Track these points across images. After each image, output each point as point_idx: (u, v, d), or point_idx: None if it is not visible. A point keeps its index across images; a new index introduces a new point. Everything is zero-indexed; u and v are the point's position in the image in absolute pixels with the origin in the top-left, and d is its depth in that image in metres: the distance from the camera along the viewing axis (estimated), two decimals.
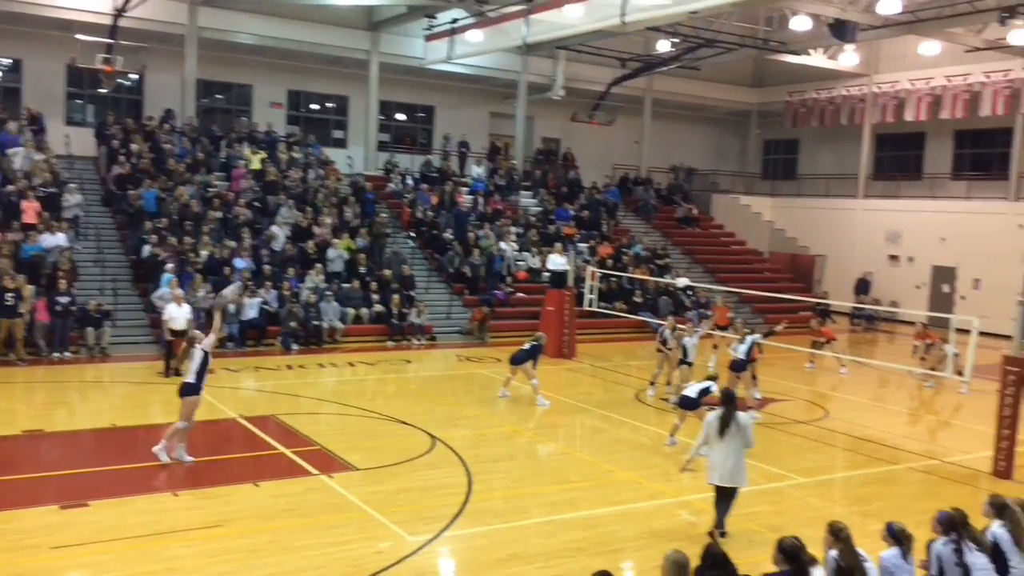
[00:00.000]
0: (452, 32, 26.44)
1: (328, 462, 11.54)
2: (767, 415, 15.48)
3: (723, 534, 8.96)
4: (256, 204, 23.56)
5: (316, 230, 23.20)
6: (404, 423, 13.74)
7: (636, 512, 10.15)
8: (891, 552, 6.71)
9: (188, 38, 25.59)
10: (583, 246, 27.10)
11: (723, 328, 19.62)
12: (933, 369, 17.96)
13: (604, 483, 11.14)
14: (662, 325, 17.62)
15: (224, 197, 23.33)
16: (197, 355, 11.03)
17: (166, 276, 18.71)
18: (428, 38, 27.82)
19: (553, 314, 20.85)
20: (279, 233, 22.53)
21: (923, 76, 30.07)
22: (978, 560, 6.75)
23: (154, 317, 18.74)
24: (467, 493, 10.52)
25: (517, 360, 15.68)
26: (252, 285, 20.21)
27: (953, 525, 6.91)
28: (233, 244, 21.48)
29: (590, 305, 21.33)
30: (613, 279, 25.28)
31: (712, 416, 9.21)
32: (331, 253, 22.56)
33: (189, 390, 10.96)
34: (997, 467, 12.19)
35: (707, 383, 12.84)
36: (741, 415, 9.10)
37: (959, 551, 6.69)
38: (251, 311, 19.81)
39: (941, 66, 29.23)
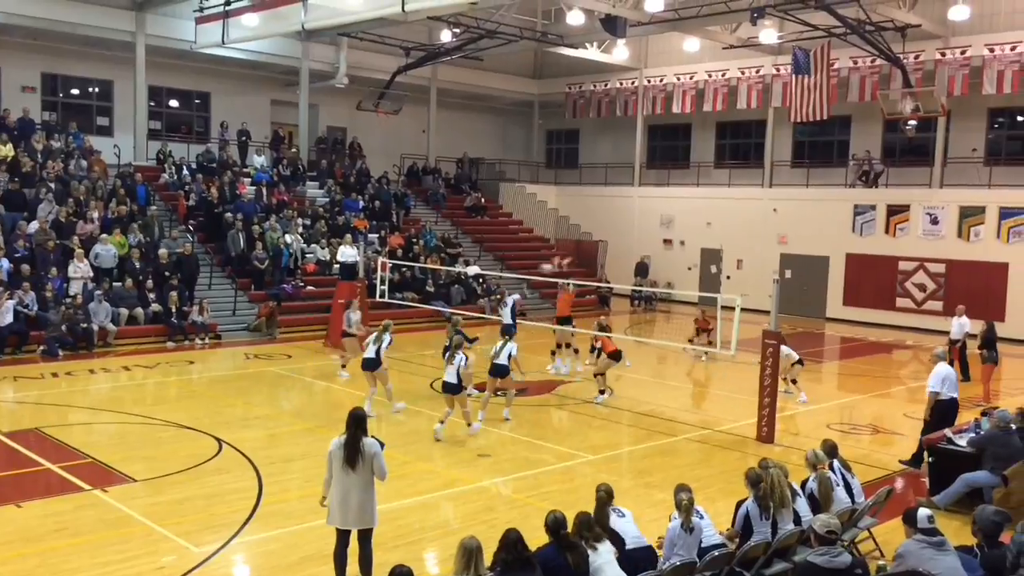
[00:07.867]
0: (226, 15, 25.02)
1: (103, 475, 10.73)
2: (555, 396, 16.06)
3: None
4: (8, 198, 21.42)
5: (81, 225, 21.42)
6: (188, 428, 13.04)
7: (433, 502, 10.21)
8: (673, 523, 7.10)
9: None
10: (373, 237, 26.80)
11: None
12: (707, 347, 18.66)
13: (401, 475, 11.04)
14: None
15: None
16: None
17: None
18: (199, 20, 26.25)
19: (344, 307, 20.48)
20: (36, 229, 20.61)
21: (687, 71, 32.16)
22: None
23: None
24: (258, 496, 10.15)
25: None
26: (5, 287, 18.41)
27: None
28: None
29: (382, 296, 21.17)
30: (404, 269, 25.22)
31: (335, 443, 7.63)
32: (99, 249, 20.93)
33: None
34: (761, 433, 13.29)
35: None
36: (368, 441, 7.59)
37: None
38: (7, 315, 18.03)
39: (703, 62, 31.46)
